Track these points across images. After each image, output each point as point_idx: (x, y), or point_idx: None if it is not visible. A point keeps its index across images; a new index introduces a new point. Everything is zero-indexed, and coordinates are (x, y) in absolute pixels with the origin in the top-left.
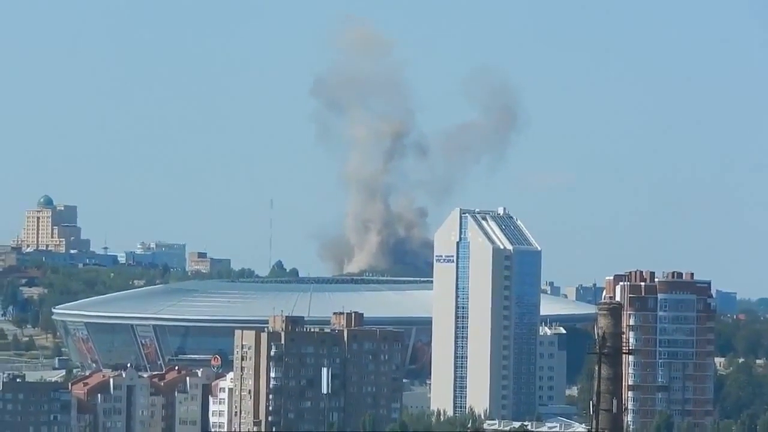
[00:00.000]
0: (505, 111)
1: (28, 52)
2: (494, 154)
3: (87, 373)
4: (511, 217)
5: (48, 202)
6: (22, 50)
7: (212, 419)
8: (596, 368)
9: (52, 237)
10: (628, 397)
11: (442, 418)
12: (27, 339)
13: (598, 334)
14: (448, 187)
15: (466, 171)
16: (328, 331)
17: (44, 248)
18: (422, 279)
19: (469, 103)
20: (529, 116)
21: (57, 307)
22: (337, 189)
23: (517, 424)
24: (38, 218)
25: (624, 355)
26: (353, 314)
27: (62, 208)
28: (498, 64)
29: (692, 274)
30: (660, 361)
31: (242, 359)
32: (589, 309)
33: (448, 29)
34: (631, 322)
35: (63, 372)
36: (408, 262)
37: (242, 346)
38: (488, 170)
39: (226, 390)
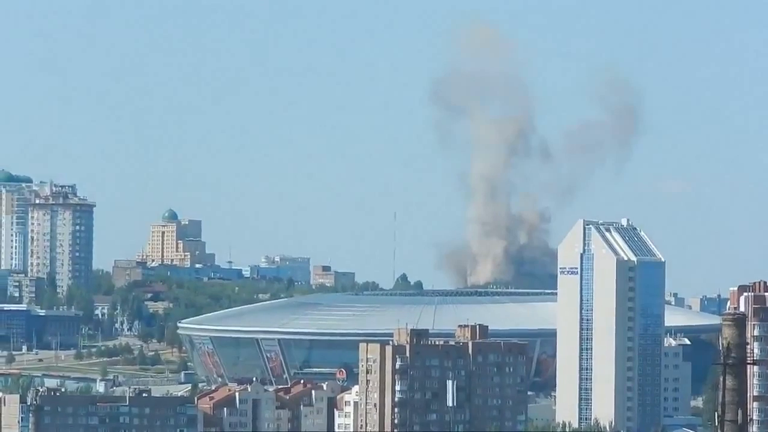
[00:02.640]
0: (627, 113)
1: (151, 65)
2: (617, 157)
3: (213, 387)
4: (635, 228)
5: (173, 217)
6: (144, 64)
7: None
8: (721, 379)
9: (176, 251)
10: (753, 407)
11: (567, 429)
12: (152, 353)
13: (722, 344)
14: (571, 190)
15: (589, 173)
16: (453, 343)
17: (169, 263)
18: (546, 291)
19: (591, 104)
20: (650, 119)
21: (182, 321)
22: (459, 197)
23: None
24: (163, 233)
25: (749, 366)
26: (478, 326)
27: (187, 223)
28: (621, 64)
29: None
30: None
31: (367, 372)
32: (713, 320)
33: (570, 28)
34: (756, 333)
35: (189, 386)
36: (528, 272)
37: (367, 359)
38: (611, 174)
39: (352, 403)
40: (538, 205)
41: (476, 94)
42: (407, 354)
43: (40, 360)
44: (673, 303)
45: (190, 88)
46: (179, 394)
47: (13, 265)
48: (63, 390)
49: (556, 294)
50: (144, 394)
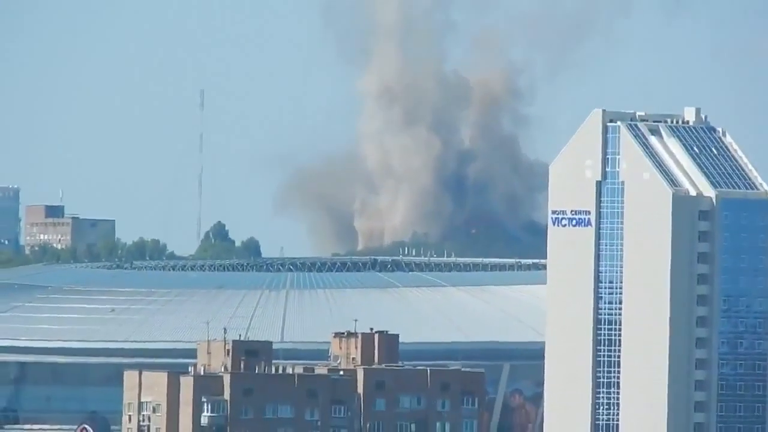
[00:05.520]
0: None
1: None
2: None
3: None
4: (713, 129)
5: None
6: None
7: None
8: None
9: None
10: None
11: None
12: None
13: None
14: (577, 40)
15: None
16: (324, 371)
17: None
18: (522, 260)
19: None
20: None
21: None
22: (334, 52)
23: None
24: None
25: None
26: (377, 336)
27: None
28: None
29: None
30: None
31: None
32: None
33: None
34: None
35: None
36: (483, 216)
37: (140, 403)
38: (660, 17)
39: None
40: (502, 62)
41: None
42: (225, 394)
43: None
44: None
45: None
46: None
47: None
48: None
49: (542, 268)
50: None
